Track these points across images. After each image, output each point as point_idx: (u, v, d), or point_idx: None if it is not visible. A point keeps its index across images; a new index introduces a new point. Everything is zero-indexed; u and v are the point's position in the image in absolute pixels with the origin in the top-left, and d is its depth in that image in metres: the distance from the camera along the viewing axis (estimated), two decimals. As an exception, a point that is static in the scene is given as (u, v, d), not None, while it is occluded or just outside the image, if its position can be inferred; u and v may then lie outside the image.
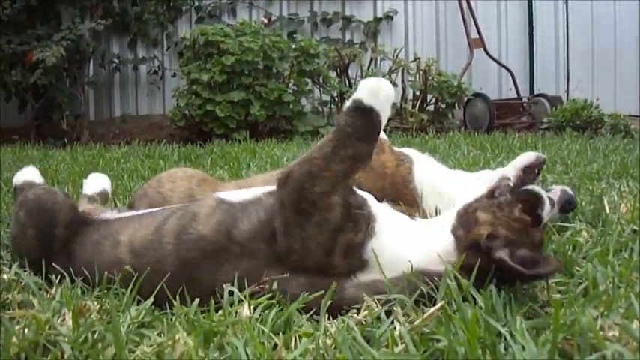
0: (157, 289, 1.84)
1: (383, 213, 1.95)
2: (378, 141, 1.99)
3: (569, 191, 2.72)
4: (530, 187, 2.09)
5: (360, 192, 1.96)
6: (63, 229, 2.16)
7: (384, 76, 9.20)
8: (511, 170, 2.77)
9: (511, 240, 1.87)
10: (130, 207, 2.66)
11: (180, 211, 2.05)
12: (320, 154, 1.86)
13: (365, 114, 1.89)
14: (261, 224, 1.89)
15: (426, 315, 1.59)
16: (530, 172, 2.75)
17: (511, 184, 2.31)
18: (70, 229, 2.17)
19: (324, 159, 1.85)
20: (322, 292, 1.74)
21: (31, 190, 2.30)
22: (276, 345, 1.48)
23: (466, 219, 1.94)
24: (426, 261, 1.85)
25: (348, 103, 1.92)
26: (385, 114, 1.93)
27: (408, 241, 1.90)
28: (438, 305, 1.60)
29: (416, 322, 1.57)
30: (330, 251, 1.81)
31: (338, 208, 1.83)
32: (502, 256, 1.80)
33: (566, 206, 2.66)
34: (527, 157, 2.80)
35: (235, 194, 2.05)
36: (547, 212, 2.01)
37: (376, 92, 1.91)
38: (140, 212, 2.25)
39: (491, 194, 2.06)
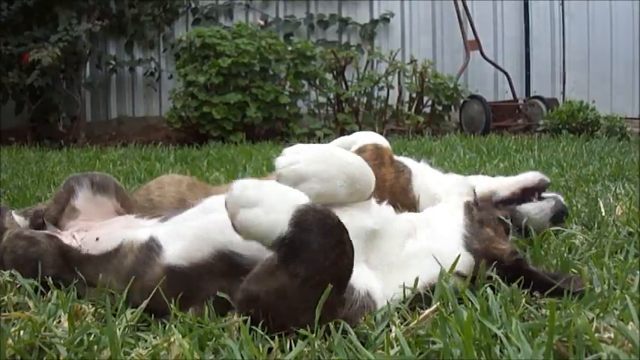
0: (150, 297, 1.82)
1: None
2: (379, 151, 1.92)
3: (562, 200, 2.72)
4: (502, 216, 2.13)
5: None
6: (52, 269, 2.15)
7: (380, 79, 9.23)
8: (510, 186, 2.74)
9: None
10: None
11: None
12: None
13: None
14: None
15: (421, 317, 1.59)
16: (529, 194, 2.71)
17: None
18: (59, 266, 2.16)
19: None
20: None
21: (15, 242, 2.26)
22: (271, 348, 1.48)
23: (476, 231, 1.95)
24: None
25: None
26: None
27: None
28: (433, 307, 1.60)
29: (411, 325, 1.57)
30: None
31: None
32: (535, 269, 1.89)
33: (559, 217, 2.65)
34: (531, 179, 2.74)
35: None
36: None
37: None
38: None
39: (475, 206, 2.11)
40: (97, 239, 2.16)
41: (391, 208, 1.99)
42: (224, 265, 1.75)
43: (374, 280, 1.73)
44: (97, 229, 2.28)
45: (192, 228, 1.89)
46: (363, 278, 1.69)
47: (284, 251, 1.50)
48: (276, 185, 1.64)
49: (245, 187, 1.59)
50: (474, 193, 2.57)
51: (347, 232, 1.54)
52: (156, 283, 1.82)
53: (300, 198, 1.58)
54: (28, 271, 2.11)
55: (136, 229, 2.10)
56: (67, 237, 2.28)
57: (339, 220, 1.54)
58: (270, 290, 1.51)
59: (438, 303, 1.62)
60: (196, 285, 1.78)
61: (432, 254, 1.85)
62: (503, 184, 2.77)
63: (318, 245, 1.49)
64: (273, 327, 1.51)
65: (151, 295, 1.78)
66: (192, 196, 2.56)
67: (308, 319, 1.48)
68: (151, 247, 1.93)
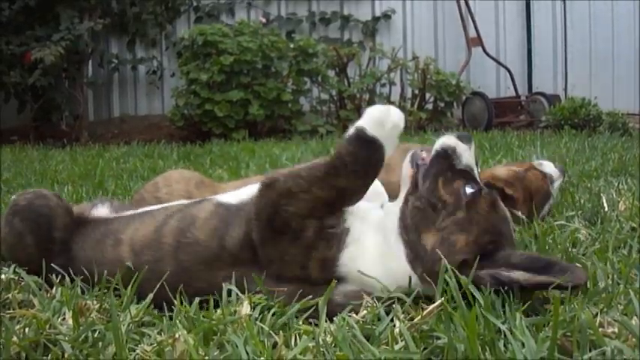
0: (156, 288, 1.83)
1: (362, 225, 1.84)
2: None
3: None
4: None
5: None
6: (61, 231, 2.14)
7: (382, 76, 9.22)
8: None
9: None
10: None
11: (180, 213, 2.03)
12: (308, 174, 1.78)
13: (367, 145, 1.78)
14: (247, 233, 1.84)
15: (425, 312, 1.59)
16: None
17: None
18: (67, 230, 2.15)
19: (308, 181, 1.77)
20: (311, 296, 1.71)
21: (21, 196, 2.24)
22: (276, 343, 1.48)
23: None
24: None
25: (350, 130, 1.81)
26: (391, 147, 1.82)
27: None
28: (438, 302, 1.60)
29: (415, 320, 1.57)
30: (305, 265, 1.76)
31: (311, 228, 1.76)
32: (518, 278, 1.69)
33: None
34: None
35: (234, 195, 2.01)
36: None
37: (382, 123, 1.80)
38: (140, 211, 2.22)
39: None
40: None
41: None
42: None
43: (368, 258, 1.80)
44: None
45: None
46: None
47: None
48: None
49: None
50: None
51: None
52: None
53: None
54: (34, 227, 2.12)
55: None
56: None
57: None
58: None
59: (443, 299, 1.61)
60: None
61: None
62: None
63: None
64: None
65: (158, 285, 1.81)
66: (200, 195, 2.56)
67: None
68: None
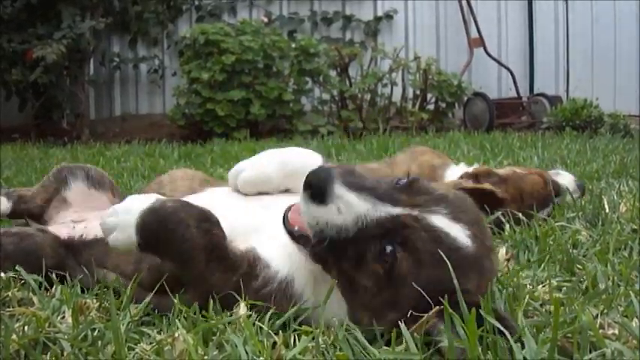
0: (155, 289, 1.81)
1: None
2: None
3: None
4: None
5: None
6: (54, 258, 2.13)
7: (383, 76, 9.22)
8: None
9: None
10: None
11: None
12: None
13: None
14: None
15: (424, 318, 1.58)
16: None
17: None
18: (59, 255, 2.15)
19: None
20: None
21: (8, 239, 2.18)
22: (275, 343, 1.48)
23: None
24: None
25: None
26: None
27: None
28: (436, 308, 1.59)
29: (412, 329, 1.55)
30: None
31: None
32: None
33: None
34: None
35: None
36: None
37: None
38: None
39: None
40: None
41: None
42: None
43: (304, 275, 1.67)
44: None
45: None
46: (288, 266, 1.69)
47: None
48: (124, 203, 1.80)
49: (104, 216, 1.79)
50: None
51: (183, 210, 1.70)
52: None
53: (144, 202, 1.76)
54: (27, 266, 2.08)
55: None
56: (62, 228, 2.26)
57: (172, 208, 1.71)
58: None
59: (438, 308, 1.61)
60: None
61: None
62: None
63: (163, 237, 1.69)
64: None
65: (158, 285, 1.78)
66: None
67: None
68: None
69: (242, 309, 1.63)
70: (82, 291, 1.95)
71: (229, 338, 1.47)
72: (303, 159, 1.98)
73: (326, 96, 9.63)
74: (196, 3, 10.92)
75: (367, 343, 1.46)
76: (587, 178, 4.02)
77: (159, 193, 2.64)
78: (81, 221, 2.30)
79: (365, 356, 1.42)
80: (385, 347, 1.46)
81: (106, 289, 1.86)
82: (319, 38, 10.41)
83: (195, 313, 1.62)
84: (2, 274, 2.02)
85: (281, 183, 1.98)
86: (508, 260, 2.21)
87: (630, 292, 1.72)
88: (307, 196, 1.50)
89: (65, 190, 2.37)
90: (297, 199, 1.58)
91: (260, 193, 2.00)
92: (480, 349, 1.32)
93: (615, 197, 3.26)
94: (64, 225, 2.30)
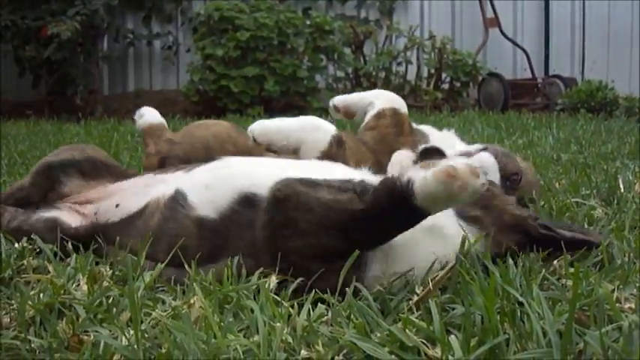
0: (170, 254, 1.79)
1: None
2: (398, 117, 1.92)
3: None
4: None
5: None
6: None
7: (398, 54, 9.18)
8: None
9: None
10: (161, 165, 2.61)
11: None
12: (324, 215, 1.60)
13: (413, 215, 1.56)
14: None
15: (438, 277, 1.58)
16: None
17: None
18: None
19: (322, 223, 1.59)
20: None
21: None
22: (290, 314, 1.48)
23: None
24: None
25: (403, 186, 1.51)
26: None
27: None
28: (450, 266, 1.60)
29: (430, 286, 1.55)
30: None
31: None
32: (564, 233, 1.87)
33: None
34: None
35: (213, 207, 1.86)
36: None
37: (439, 200, 1.50)
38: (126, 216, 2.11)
39: None
40: (117, 205, 2.13)
41: None
42: (249, 211, 1.76)
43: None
44: (110, 196, 2.22)
45: (215, 176, 1.92)
46: None
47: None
48: None
49: None
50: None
51: None
52: (185, 237, 1.82)
53: None
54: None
55: (159, 185, 2.07)
56: (67, 212, 2.21)
57: None
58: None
59: (454, 264, 1.62)
60: (224, 239, 1.79)
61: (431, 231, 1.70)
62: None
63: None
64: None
65: (175, 248, 1.78)
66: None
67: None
68: (177, 200, 1.92)
69: (254, 278, 1.62)
70: (97, 263, 1.95)
71: (246, 304, 1.47)
72: (316, 118, 2.18)
73: (340, 73, 9.60)
74: (211, -21, 10.89)
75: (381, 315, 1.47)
76: (602, 159, 4.00)
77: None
78: (88, 202, 2.27)
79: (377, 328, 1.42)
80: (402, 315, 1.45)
81: (119, 258, 1.86)
82: (334, 16, 10.36)
83: (210, 284, 1.62)
84: (17, 244, 2.02)
85: (293, 133, 2.11)
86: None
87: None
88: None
89: (60, 186, 2.31)
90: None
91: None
92: (497, 317, 1.31)
93: (630, 177, 3.25)
94: (69, 212, 2.25)
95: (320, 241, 1.60)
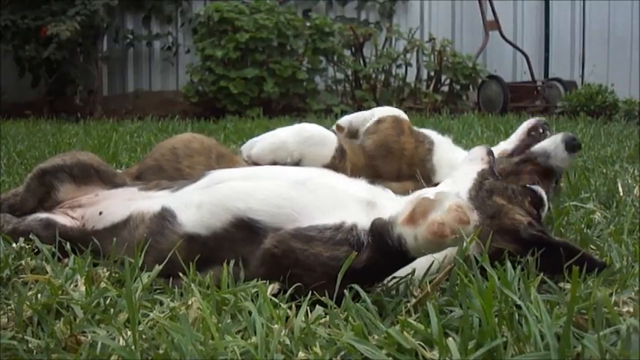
0: (166, 260, 1.79)
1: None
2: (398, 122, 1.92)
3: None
4: (535, 187, 2.06)
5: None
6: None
7: (398, 56, 9.19)
8: (515, 137, 2.82)
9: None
10: (138, 178, 2.60)
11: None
12: (323, 270, 1.62)
13: (409, 261, 1.62)
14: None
15: (436, 280, 1.58)
16: (534, 132, 2.83)
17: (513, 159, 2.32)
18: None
19: (323, 275, 1.61)
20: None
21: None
22: (288, 315, 1.48)
23: (480, 202, 1.90)
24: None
25: (396, 246, 1.55)
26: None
27: None
28: (448, 268, 1.60)
29: (428, 288, 1.55)
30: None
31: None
32: (559, 240, 1.85)
33: (571, 142, 2.56)
34: (528, 122, 2.91)
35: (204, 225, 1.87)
36: (545, 213, 2.06)
37: (431, 251, 1.56)
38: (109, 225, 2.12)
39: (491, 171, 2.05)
40: (100, 213, 2.14)
41: (389, 190, 1.94)
42: (243, 233, 1.77)
43: None
44: (96, 203, 2.24)
45: (209, 197, 1.89)
46: None
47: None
48: None
49: None
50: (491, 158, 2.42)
51: None
52: (173, 251, 1.82)
53: None
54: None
55: (143, 201, 2.08)
56: (60, 216, 2.22)
57: None
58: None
59: (452, 266, 1.61)
60: (215, 253, 1.79)
61: None
62: (508, 141, 2.95)
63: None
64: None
65: (167, 258, 1.78)
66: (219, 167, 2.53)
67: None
68: (164, 217, 1.92)
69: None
70: (95, 265, 1.94)
71: (244, 305, 1.47)
72: (316, 127, 2.17)
73: (340, 75, 9.61)
74: (211, -20, 10.89)
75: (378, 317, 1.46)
76: (602, 162, 4.00)
77: (176, 167, 2.60)
78: (79, 207, 2.27)
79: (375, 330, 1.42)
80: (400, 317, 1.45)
81: (116, 260, 1.86)
82: (334, 18, 10.36)
83: (207, 288, 1.62)
84: (14, 244, 2.02)
85: (296, 149, 2.07)
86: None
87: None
88: None
89: (54, 192, 2.32)
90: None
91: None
92: (495, 320, 1.31)
93: (629, 181, 3.25)
94: (60, 214, 2.26)
95: (320, 284, 1.61)
